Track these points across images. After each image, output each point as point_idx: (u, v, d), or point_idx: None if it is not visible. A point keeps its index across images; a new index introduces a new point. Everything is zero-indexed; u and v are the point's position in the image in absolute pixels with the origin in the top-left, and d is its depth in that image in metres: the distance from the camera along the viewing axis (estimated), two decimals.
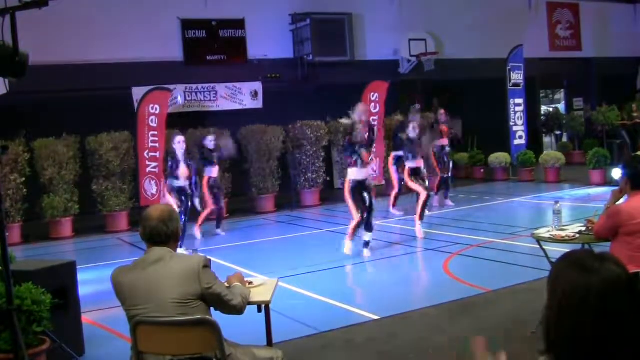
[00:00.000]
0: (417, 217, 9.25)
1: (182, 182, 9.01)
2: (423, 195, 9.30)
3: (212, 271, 3.06)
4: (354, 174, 8.03)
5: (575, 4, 18.88)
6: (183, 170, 8.98)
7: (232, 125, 12.91)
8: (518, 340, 4.58)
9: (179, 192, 9.02)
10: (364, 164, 7.99)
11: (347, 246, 8.27)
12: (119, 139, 11.79)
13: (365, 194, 8.08)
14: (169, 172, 9.08)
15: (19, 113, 11.75)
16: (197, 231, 10.19)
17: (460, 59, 15.91)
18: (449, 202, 12.01)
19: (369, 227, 8.19)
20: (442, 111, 11.96)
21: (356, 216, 8.07)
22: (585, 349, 1.47)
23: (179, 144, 9.03)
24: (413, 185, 9.46)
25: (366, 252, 8.23)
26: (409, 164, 9.51)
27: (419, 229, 9.21)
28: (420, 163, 9.52)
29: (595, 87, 19.19)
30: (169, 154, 9.26)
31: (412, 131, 9.53)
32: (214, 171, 10.15)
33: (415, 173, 9.45)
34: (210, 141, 10.17)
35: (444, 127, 11.71)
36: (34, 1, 3.51)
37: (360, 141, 7.92)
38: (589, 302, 1.46)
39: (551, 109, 20.11)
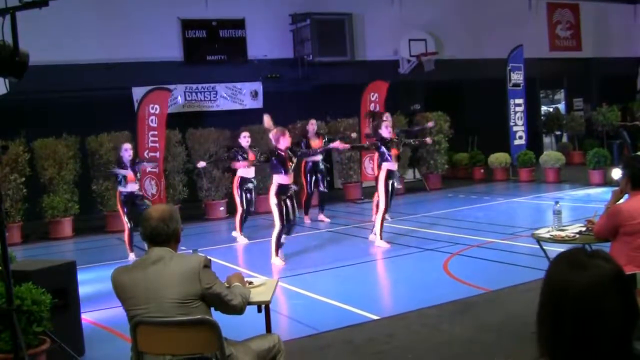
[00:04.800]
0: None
1: (129, 187, 8.85)
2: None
3: (212, 271, 3.07)
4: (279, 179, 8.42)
5: (575, 4, 18.87)
6: (130, 176, 8.83)
7: (232, 125, 12.90)
8: (518, 340, 4.58)
9: (127, 199, 8.84)
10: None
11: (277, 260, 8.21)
12: (119, 139, 11.77)
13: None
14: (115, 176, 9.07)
15: (19, 113, 11.74)
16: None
17: (460, 59, 15.91)
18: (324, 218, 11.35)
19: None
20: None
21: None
22: (583, 349, 1.46)
23: (126, 151, 8.94)
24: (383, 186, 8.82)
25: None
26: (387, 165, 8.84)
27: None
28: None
29: (595, 87, 19.18)
30: (117, 161, 9.15)
31: (385, 130, 8.87)
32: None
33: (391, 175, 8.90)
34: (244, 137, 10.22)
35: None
36: (34, 1, 3.52)
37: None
38: (579, 299, 1.46)
39: (551, 109, 20.10)
